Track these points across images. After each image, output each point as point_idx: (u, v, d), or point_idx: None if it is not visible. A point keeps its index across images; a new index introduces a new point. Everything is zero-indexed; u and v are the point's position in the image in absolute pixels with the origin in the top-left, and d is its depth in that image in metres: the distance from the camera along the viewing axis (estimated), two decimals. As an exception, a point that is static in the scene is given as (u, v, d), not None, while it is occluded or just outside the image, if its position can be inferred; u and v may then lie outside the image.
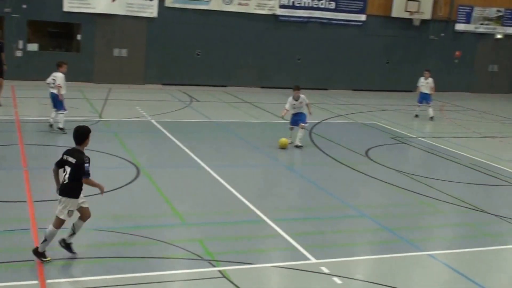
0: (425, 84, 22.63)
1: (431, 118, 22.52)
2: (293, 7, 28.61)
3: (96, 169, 13.32)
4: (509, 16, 32.42)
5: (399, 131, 20.09)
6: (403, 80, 30.77)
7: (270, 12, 28.30)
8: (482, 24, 32.04)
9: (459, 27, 31.66)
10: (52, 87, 16.36)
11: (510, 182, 14.65)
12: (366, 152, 16.60)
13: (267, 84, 28.62)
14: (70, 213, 8.68)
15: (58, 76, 16.23)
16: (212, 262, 9.05)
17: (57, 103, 16.38)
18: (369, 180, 14.06)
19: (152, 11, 26.63)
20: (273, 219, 10.96)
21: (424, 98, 22.66)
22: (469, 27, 31.85)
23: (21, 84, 23.99)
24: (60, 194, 8.69)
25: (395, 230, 10.90)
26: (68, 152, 8.75)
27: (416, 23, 30.36)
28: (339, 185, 13.65)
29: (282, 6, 28.39)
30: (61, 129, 16.27)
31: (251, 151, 16.34)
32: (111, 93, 23.90)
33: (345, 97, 27.28)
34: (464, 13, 31.63)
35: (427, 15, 30.39)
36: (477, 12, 31.81)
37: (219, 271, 8.76)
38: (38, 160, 13.96)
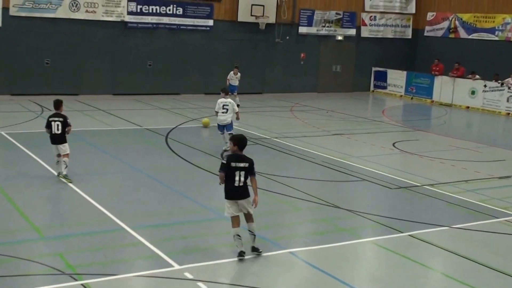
0: (234, 78, 26.37)
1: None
2: (141, 13, 28.46)
3: None
4: (347, 19, 34.22)
5: (252, 132, 20.60)
6: (252, 82, 31.56)
7: (118, 19, 27.97)
8: (323, 26, 33.58)
9: (302, 30, 32.97)
10: None
11: (360, 177, 15.50)
12: (222, 155, 16.90)
13: (120, 91, 28.25)
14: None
15: None
16: (73, 276, 8.87)
17: None
18: (227, 182, 14.33)
19: (-7, 20, 25.44)
20: (133, 227, 10.91)
21: (233, 89, 25.60)
22: (312, 30, 33.26)
23: None
24: (239, 198, 9.74)
25: (256, 230, 11.21)
26: (235, 159, 9.76)
27: (262, 27, 31.25)
28: (197, 189, 13.81)
29: (130, 13, 28.16)
30: None
31: (107, 159, 16.14)
32: None
33: (197, 101, 27.53)
34: (306, 16, 32.98)
35: (272, 19, 31.36)
36: (318, 15, 33.28)
37: (82, 284, 8.61)
38: None
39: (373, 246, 11.02)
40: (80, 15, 27.07)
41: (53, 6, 26.48)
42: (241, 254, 9.80)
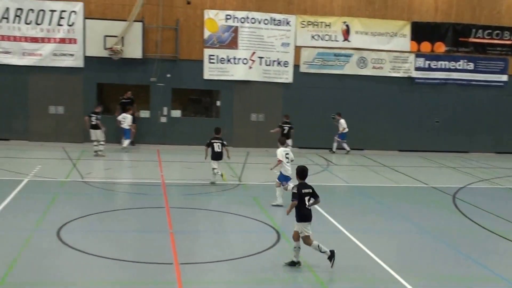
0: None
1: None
2: (429, 69, 28.18)
3: (236, 232, 13.67)
4: None
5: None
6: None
7: (405, 75, 28.02)
8: None
9: None
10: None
11: None
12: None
13: (405, 147, 28.05)
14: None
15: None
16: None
17: None
18: (523, 249, 13.17)
19: (287, 77, 27.19)
20: (420, 289, 10.44)
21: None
22: None
23: (165, 148, 25.18)
24: (311, 220, 11.25)
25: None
26: (303, 187, 11.29)
27: None
28: (488, 255, 12.85)
29: (417, 69, 28.06)
30: None
31: (391, 216, 15.85)
32: (249, 157, 24.32)
33: (488, 160, 26.13)
34: None
35: None
36: None
37: None
38: (183, 223, 14.28)
39: None
40: (367, 71, 27.69)
41: (341, 62, 27.47)
42: (299, 263, 11.23)
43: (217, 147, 18.18)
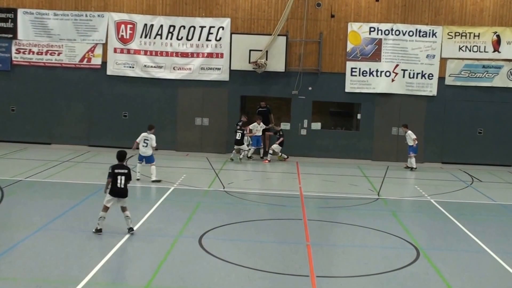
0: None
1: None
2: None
3: (372, 248, 13.57)
4: None
5: None
6: None
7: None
8: None
9: None
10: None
11: None
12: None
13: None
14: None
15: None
16: None
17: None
18: None
19: (431, 90, 26.50)
20: None
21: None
22: None
23: (304, 160, 25.39)
24: (121, 197, 13.15)
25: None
26: (118, 167, 13.28)
27: None
28: None
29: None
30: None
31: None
32: (389, 171, 23.95)
33: None
34: None
35: None
36: None
37: None
38: (320, 236, 14.37)
39: None
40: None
41: (490, 74, 26.37)
42: (100, 231, 13.12)
43: (238, 135, 24.23)
